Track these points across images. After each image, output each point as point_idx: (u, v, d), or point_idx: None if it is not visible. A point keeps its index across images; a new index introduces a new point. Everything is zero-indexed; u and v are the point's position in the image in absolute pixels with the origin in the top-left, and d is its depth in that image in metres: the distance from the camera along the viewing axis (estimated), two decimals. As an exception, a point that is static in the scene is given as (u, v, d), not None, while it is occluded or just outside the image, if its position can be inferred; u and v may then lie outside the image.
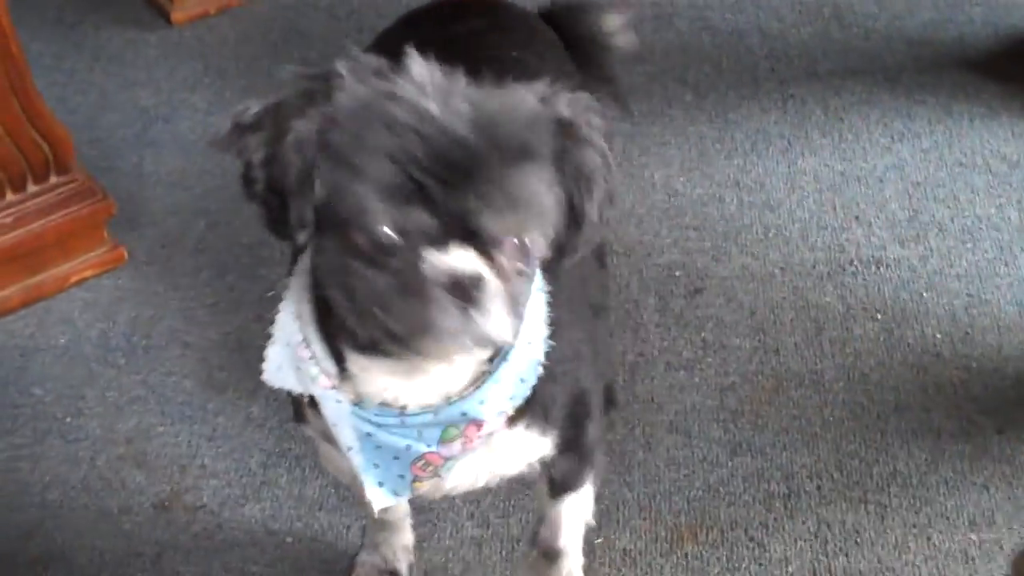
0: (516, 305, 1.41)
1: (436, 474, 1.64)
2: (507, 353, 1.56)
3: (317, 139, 1.37)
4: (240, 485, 2.35)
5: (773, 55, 3.28)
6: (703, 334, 2.59)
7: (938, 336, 2.58)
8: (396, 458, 1.61)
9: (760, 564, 2.22)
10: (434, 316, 1.34)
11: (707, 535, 2.26)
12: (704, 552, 2.23)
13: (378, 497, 1.66)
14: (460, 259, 1.34)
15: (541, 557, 2.07)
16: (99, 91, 3.22)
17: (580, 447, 1.80)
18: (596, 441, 1.85)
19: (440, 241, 1.34)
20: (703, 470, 2.35)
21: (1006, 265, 2.72)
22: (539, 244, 1.41)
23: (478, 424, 1.58)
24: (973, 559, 2.21)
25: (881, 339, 2.58)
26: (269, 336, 1.62)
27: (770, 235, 2.81)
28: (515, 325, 1.41)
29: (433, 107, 1.34)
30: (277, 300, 1.61)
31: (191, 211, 2.88)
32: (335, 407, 1.58)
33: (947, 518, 2.27)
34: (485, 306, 1.36)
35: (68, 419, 2.47)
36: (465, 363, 1.54)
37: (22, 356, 2.58)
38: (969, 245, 2.77)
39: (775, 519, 2.28)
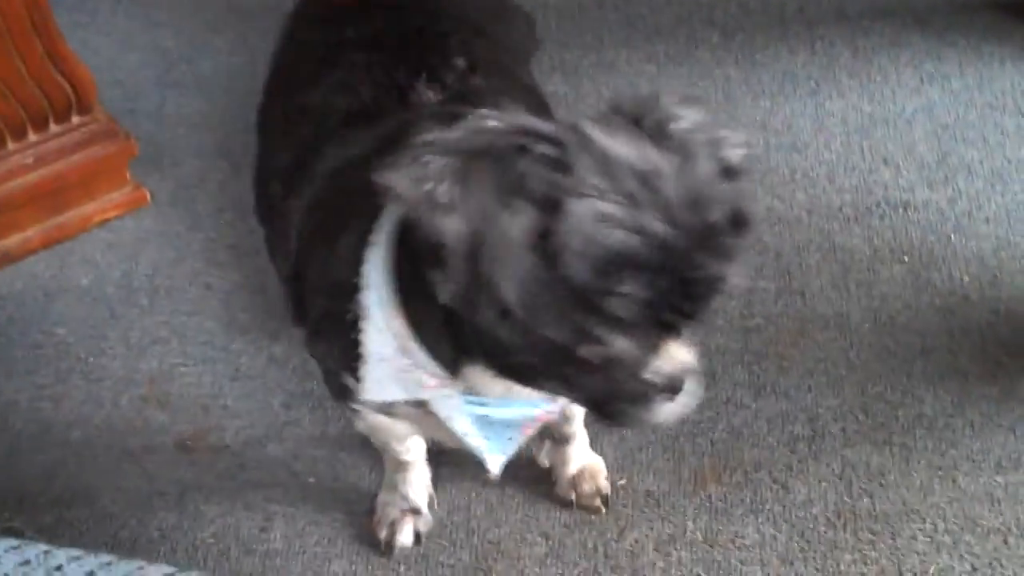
0: None
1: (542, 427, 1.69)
2: None
3: (539, 248, 1.20)
4: (263, 425, 2.35)
5: (801, -4, 3.25)
6: (728, 276, 2.57)
7: (966, 279, 2.56)
8: (508, 427, 1.64)
9: (784, 505, 2.20)
10: (649, 414, 1.39)
11: (731, 477, 2.25)
12: (728, 494, 2.22)
13: (494, 460, 1.69)
14: (679, 355, 1.35)
15: (553, 444, 2.17)
16: (121, 32, 3.20)
17: None
18: None
19: (664, 342, 1.34)
20: (727, 412, 2.34)
21: (1036, 207, 2.69)
22: None
23: None
24: (999, 501, 2.19)
25: (908, 282, 2.55)
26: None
27: (797, 177, 2.78)
28: None
29: (682, 215, 1.22)
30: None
31: (214, 153, 2.86)
32: (447, 402, 1.58)
33: (973, 460, 2.26)
34: (690, 389, 1.39)
35: (91, 359, 2.47)
36: None
37: (45, 296, 2.58)
38: (998, 187, 2.74)
39: (799, 461, 2.26)
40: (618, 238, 1.18)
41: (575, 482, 2.19)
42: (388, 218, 1.46)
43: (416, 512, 2.17)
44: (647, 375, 1.35)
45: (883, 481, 2.23)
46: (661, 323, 1.26)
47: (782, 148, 2.84)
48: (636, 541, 2.16)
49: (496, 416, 1.60)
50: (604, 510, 2.19)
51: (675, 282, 1.22)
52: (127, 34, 3.19)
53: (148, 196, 2.74)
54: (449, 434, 1.66)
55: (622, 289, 1.19)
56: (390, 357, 1.54)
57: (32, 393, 2.41)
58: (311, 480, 2.27)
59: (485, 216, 1.20)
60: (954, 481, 2.23)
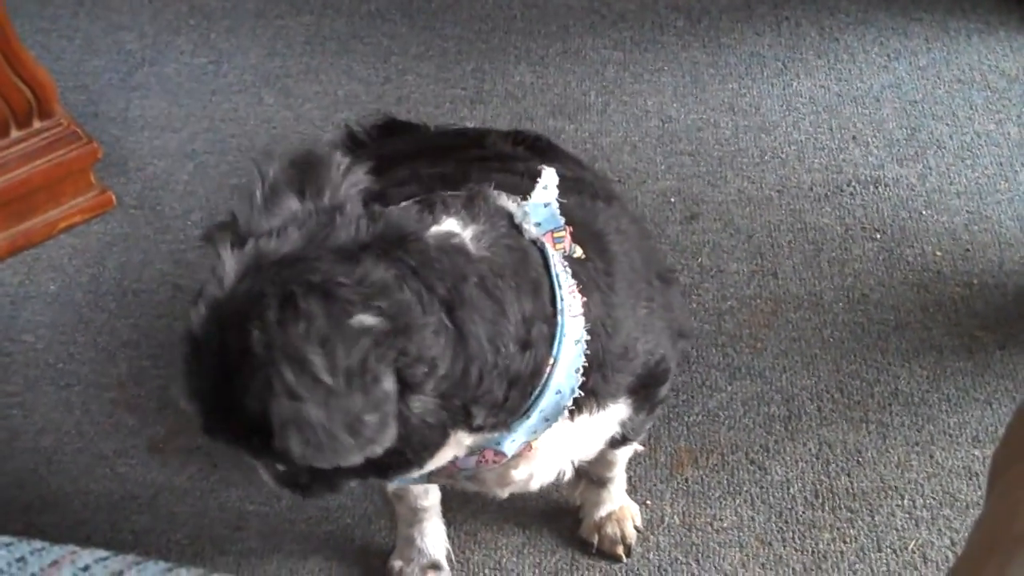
0: None
1: (452, 478, 1.63)
2: (542, 392, 1.48)
3: None
4: (235, 425, 2.32)
5: (766, -23, 3.24)
6: (700, 259, 2.56)
7: (938, 254, 2.55)
8: None
9: (761, 487, 2.19)
10: None
11: (707, 460, 2.23)
12: (704, 476, 2.21)
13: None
14: None
15: (590, 484, 2.08)
16: (83, 36, 3.18)
17: (652, 404, 1.75)
18: (665, 397, 1.80)
19: None
20: (702, 395, 2.33)
21: (1006, 180, 2.68)
22: None
23: (497, 453, 1.53)
24: (976, 475, 2.18)
25: (880, 258, 2.54)
26: None
27: (766, 158, 2.77)
28: None
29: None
30: None
31: (178, 154, 2.84)
32: None
33: (950, 435, 2.25)
34: None
35: (60, 365, 2.44)
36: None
37: (12, 304, 2.55)
38: (968, 162, 2.73)
39: (775, 442, 2.25)
40: None
41: (600, 524, 2.11)
42: None
43: (436, 568, 2.08)
44: None
45: (860, 459, 2.22)
46: None
47: (751, 129, 2.83)
48: (614, 528, 2.15)
49: None
50: (624, 559, 2.11)
51: None
52: (89, 38, 3.17)
53: (114, 199, 2.72)
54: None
55: None
56: None
57: (1, 401, 2.38)
58: (285, 478, 2.25)
59: None
60: (931, 456, 2.22)
